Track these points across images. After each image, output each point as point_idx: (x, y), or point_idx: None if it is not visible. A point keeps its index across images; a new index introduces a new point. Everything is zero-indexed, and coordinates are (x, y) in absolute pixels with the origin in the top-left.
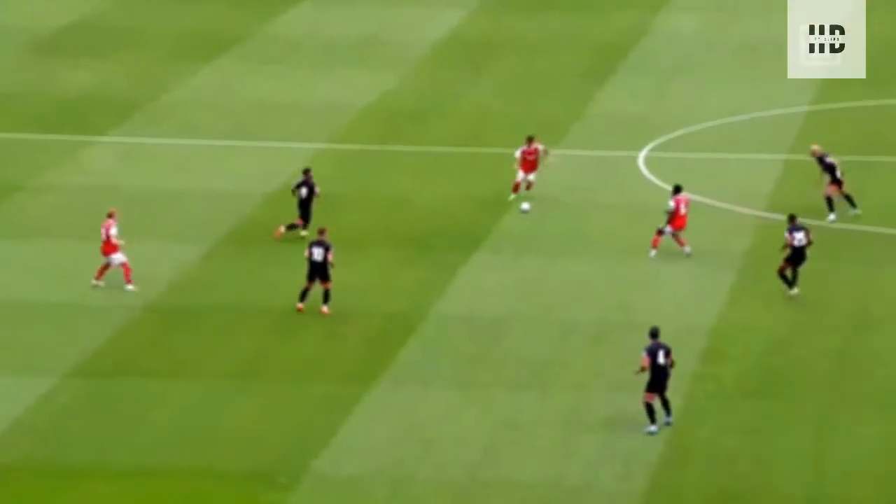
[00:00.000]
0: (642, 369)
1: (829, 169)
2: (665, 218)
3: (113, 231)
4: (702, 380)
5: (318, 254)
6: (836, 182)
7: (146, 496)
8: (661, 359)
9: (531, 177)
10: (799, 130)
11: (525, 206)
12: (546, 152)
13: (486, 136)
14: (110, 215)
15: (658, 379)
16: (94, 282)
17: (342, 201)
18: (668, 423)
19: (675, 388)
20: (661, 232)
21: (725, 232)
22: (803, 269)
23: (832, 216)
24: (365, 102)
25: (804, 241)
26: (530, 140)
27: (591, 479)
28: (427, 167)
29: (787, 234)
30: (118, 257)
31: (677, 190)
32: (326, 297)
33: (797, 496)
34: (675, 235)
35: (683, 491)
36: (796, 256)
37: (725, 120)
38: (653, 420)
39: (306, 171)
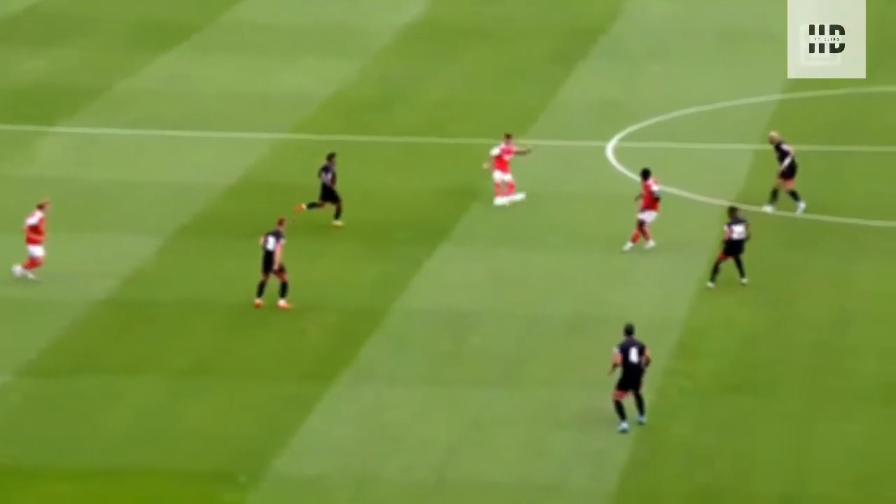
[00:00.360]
0: (614, 367)
1: (781, 158)
2: (638, 204)
3: (31, 220)
4: (676, 375)
5: (271, 243)
6: (783, 173)
7: (103, 496)
8: (633, 356)
9: (508, 177)
10: (772, 119)
11: (500, 199)
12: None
13: (452, 125)
14: (40, 206)
15: (630, 377)
16: (29, 277)
17: (304, 193)
18: (640, 423)
19: (648, 383)
20: (641, 224)
21: (698, 224)
22: (772, 261)
23: (801, 205)
24: (328, 91)
25: (743, 235)
26: (508, 137)
27: (563, 479)
28: (393, 157)
29: (726, 227)
30: (35, 249)
31: (647, 174)
32: (283, 291)
33: (777, 494)
34: (642, 228)
35: (658, 490)
36: (733, 249)
37: (698, 108)
38: (623, 417)
39: (330, 157)
